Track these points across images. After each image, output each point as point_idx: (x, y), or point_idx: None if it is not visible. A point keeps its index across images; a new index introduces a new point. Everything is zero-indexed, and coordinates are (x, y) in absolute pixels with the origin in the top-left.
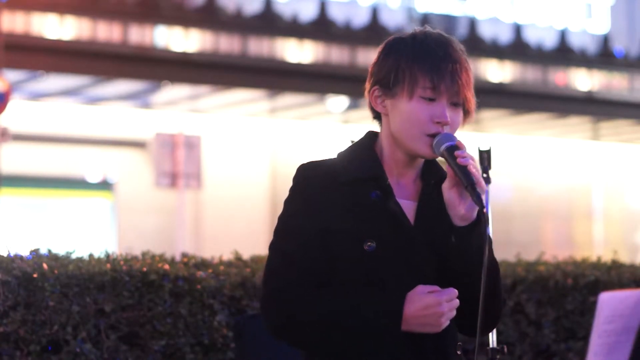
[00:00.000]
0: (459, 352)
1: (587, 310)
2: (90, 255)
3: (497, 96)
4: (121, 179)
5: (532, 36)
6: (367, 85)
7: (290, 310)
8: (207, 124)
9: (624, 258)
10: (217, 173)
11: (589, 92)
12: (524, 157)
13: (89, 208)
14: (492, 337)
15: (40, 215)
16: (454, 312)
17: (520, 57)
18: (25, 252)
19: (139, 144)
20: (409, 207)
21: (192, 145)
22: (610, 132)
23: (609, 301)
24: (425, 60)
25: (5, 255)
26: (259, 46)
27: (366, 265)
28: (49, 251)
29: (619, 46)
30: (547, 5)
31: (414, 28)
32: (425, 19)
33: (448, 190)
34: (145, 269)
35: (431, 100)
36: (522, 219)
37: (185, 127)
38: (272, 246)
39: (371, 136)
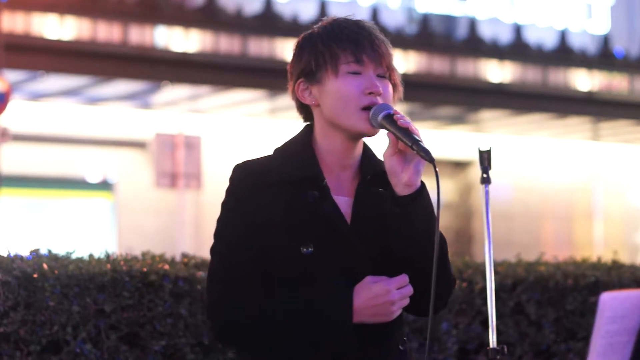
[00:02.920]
0: (401, 347)
1: (588, 311)
2: (91, 256)
3: (497, 96)
4: (121, 179)
5: (532, 36)
6: (290, 85)
7: (236, 316)
8: (207, 124)
9: (624, 258)
10: (217, 173)
11: (589, 92)
12: (524, 157)
13: (89, 208)
14: (492, 337)
15: (40, 215)
16: (407, 300)
17: (520, 57)
18: (25, 252)
19: (139, 144)
20: (347, 204)
21: (192, 145)
22: (610, 132)
23: (610, 302)
24: (341, 37)
25: (5, 255)
26: (259, 46)
27: (303, 268)
28: (49, 251)
29: (619, 46)
30: (547, 6)
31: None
32: (425, 19)
33: (389, 158)
34: (145, 270)
35: (357, 74)
36: (522, 219)
37: (185, 127)
38: (212, 251)
39: (309, 130)
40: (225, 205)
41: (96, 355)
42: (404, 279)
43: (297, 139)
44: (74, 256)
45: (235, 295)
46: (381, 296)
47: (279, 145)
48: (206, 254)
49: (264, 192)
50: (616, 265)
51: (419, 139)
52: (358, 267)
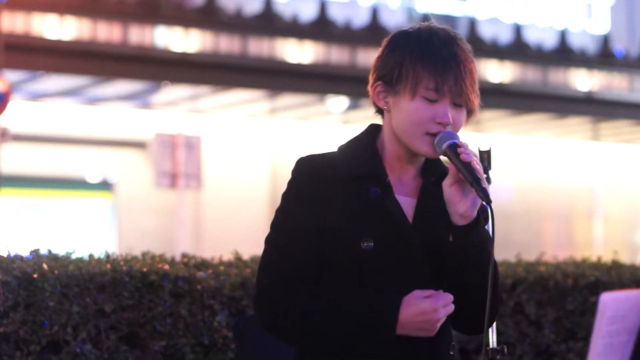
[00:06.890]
0: (451, 353)
1: (588, 311)
2: (91, 256)
3: (497, 96)
4: (121, 179)
5: (532, 36)
6: (370, 79)
7: (281, 307)
8: (207, 124)
9: (624, 258)
10: (217, 173)
11: (589, 92)
12: (524, 157)
13: (89, 208)
14: (492, 337)
15: (40, 215)
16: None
17: (520, 57)
18: (25, 252)
19: (139, 144)
20: (408, 204)
21: (192, 145)
22: (610, 132)
23: (611, 302)
24: (429, 60)
25: (5, 255)
26: (259, 46)
27: (362, 264)
28: (49, 251)
29: (619, 46)
30: (547, 6)
31: (419, 23)
32: (425, 19)
33: (448, 188)
34: (145, 270)
35: (433, 101)
36: (522, 219)
37: (185, 127)
38: (268, 240)
39: (373, 130)
40: (285, 197)
41: (96, 355)
42: (449, 297)
43: (362, 137)
44: (74, 256)
45: (284, 285)
46: (428, 313)
47: (343, 143)
48: (206, 254)
49: (325, 187)
50: (616, 265)
51: (479, 176)
52: (419, 264)
